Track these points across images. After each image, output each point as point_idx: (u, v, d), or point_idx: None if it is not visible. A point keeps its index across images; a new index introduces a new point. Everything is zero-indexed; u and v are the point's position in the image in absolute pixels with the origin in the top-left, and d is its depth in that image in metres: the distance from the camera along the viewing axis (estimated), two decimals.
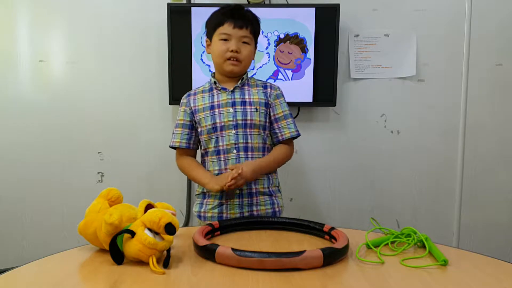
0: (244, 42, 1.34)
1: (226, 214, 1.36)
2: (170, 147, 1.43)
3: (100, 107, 2.11)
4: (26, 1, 2.06)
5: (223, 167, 1.35)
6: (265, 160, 1.36)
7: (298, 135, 1.41)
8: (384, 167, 2.11)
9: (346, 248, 0.87)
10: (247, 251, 0.81)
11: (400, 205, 2.12)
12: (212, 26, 1.37)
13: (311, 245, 0.96)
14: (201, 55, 1.99)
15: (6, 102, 2.10)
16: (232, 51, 1.31)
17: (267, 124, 1.40)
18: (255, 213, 1.36)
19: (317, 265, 0.81)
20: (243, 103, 1.37)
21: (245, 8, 1.39)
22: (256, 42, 1.41)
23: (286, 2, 2.01)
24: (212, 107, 1.37)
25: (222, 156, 1.36)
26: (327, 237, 1.00)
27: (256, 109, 1.37)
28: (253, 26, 1.36)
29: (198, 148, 1.45)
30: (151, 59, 2.08)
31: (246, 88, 1.40)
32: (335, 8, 1.95)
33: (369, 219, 2.11)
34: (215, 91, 1.40)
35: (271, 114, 1.40)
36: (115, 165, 2.13)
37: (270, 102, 1.40)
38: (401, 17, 2.04)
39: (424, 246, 0.95)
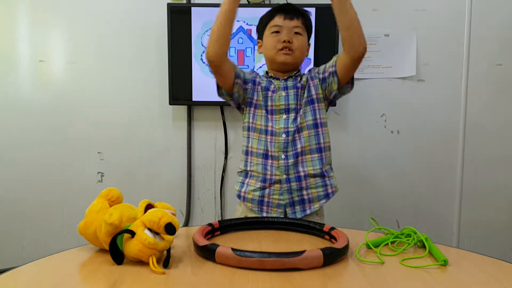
0: (296, 33, 1.31)
1: (268, 199, 1.31)
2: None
3: (100, 107, 2.11)
4: (26, 1, 2.06)
5: (274, 149, 1.29)
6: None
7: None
8: (384, 167, 2.11)
9: (346, 248, 0.87)
10: (247, 251, 0.81)
11: (400, 205, 2.12)
12: (263, 24, 1.37)
13: (311, 245, 0.96)
14: (201, 55, 1.99)
15: (6, 102, 2.10)
16: (284, 41, 1.29)
17: (321, 96, 1.32)
18: (305, 197, 1.30)
19: (317, 265, 0.81)
20: (295, 87, 1.33)
21: (294, 5, 1.39)
22: (309, 37, 1.38)
23: (286, 2, 2.01)
24: (267, 89, 1.34)
25: (270, 137, 1.30)
26: (327, 237, 1.00)
27: (307, 86, 1.34)
28: (304, 18, 1.34)
29: (233, 68, 1.30)
30: (151, 59, 2.08)
31: (298, 78, 1.36)
32: None
33: (369, 219, 2.11)
34: (271, 85, 1.35)
35: (320, 76, 1.33)
36: (115, 165, 2.13)
37: (316, 77, 1.33)
38: (401, 17, 2.04)
39: (424, 246, 0.95)
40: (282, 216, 1.30)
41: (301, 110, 1.31)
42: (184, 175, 2.13)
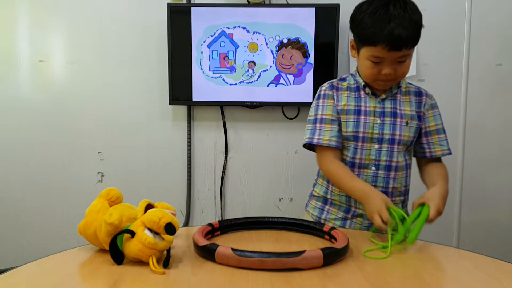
0: (400, 61, 1.10)
1: (349, 228, 1.19)
2: (309, 144, 1.18)
3: (100, 107, 2.11)
4: (26, 1, 2.06)
5: None
6: (444, 182, 1.18)
7: (450, 153, 1.24)
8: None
9: (346, 248, 0.87)
10: (247, 251, 0.81)
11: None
12: (360, 38, 1.12)
13: (311, 245, 0.96)
14: (201, 60, 1.99)
15: (6, 102, 2.10)
16: (385, 74, 1.09)
17: (415, 139, 1.20)
18: None
19: (317, 265, 0.81)
20: (394, 115, 1.16)
21: (405, 11, 1.09)
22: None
23: (286, 2, 2.01)
24: (358, 112, 1.16)
25: (356, 169, 1.17)
26: (327, 237, 1.00)
27: (407, 123, 1.16)
28: (413, 40, 1.11)
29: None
30: (151, 59, 2.08)
31: (398, 96, 1.18)
32: (335, 8, 1.95)
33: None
34: (362, 92, 1.18)
35: (422, 126, 1.20)
36: (115, 165, 2.13)
37: (423, 113, 1.19)
38: None
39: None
40: None
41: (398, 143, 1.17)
42: (184, 175, 2.13)
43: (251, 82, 2.00)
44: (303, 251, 0.80)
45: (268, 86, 2.00)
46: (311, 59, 1.98)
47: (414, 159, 1.29)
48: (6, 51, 2.08)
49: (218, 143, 2.13)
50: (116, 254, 0.82)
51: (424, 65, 2.05)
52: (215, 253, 0.82)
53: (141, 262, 0.82)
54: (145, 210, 0.87)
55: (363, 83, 1.17)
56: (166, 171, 2.13)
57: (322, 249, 0.82)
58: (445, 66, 2.05)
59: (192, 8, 1.97)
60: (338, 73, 2.01)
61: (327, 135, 1.16)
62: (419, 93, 1.21)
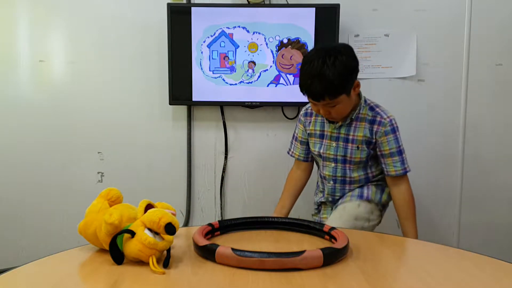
0: (330, 107, 1.29)
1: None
2: (289, 154, 1.58)
3: (100, 107, 2.11)
4: (26, 1, 2.06)
5: (325, 192, 1.48)
6: (411, 223, 1.42)
7: (405, 173, 1.39)
8: None
9: (346, 248, 0.87)
10: (247, 251, 0.81)
11: None
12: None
13: (311, 245, 0.96)
14: (200, 60, 1.99)
15: (6, 102, 2.10)
16: (322, 115, 1.35)
17: (370, 157, 1.41)
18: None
19: (317, 265, 0.81)
20: (346, 140, 1.39)
21: (321, 63, 1.22)
22: (350, 87, 1.29)
23: (286, 2, 2.01)
24: (322, 136, 1.43)
25: (324, 181, 1.48)
26: (327, 237, 1.00)
27: (358, 147, 1.38)
28: (331, 92, 1.24)
29: (313, 160, 1.56)
30: (151, 59, 2.08)
31: (353, 123, 1.38)
32: (335, 8, 1.95)
33: None
34: (325, 119, 1.41)
35: (378, 150, 1.40)
36: (115, 165, 2.13)
37: (375, 139, 1.38)
38: (401, 17, 2.04)
39: None
40: None
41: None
42: (184, 175, 2.13)
43: (251, 82, 2.00)
44: (303, 251, 0.80)
45: (268, 86, 2.00)
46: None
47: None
48: (6, 51, 2.08)
49: (218, 143, 2.13)
50: (116, 254, 0.82)
51: (424, 65, 2.05)
52: (215, 253, 0.82)
53: (141, 262, 0.82)
54: (145, 210, 0.87)
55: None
56: (166, 171, 2.13)
57: (322, 249, 0.82)
58: (445, 66, 2.05)
59: (192, 8, 1.97)
60: None
61: (297, 152, 1.54)
62: (372, 121, 1.38)
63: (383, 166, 1.41)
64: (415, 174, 2.11)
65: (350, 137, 1.38)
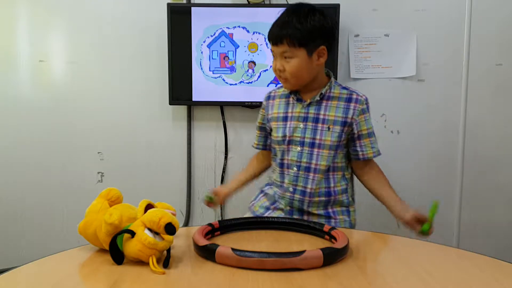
0: (286, 57, 1.21)
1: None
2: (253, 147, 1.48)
3: (100, 107, 2.11)
4: (26, 1, 2.06)
5: (286, 181, 1.29)
6: (392, 190, 1.33)
7: (380, 154, 1.32)
8: (384, 167, 2.10)
9: (346, 248, 0.87)
10: (247, 251, 0.81)
11: None
12: None
13: (311, 245, 0.96)
14: (200, 60, 1.99)
15: (6, 102, 2.10)
16: (275, 70, 1.24)
17: (341, 143, 1.27)
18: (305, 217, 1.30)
19: (317, 265, 0.81)
20: (316, 120, 1.26)
21: (291, 12, 1.21)
22: (313, 48, 1.22)
23: (286, 2, 2.01)
24: (285, 118, 1.30)
25: (285, 170, 1.30)
26: (327, 237, 1.00)
27: (329, 128, 1.25)
28: (292, 35, 1.18)
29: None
30: (151, 59, 2.08)
31: (324, 102, 1.27)
32: (335, 8, 1.95)
33: (368, 219, 2.11)
34: (291, 99, 1.30)
35: (355, 131, 1.27)
36: (115, 165, 2.13)
37: (351, 119, 1.26)
38: (401, 17, 2.04)
39: None
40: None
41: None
42: (184, 175, 2.13)
43: (251, 82, 2.00)
44: (303, 251, 0.80)
45: (268, 86, 2.00)
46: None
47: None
48: (6, 51, 2.08)
49: (218, 143, 2.13)
50: (116, 254, 0.82)
51: (424, 65, 2.05)
52: (215, 253, 0.82)
53: (141, 262, 0.82)
54: (145, 210, 0.87)
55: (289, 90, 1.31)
56: (166, 171, 2.13)
57: (322, 249, 0.82)
58: (445, 66, 2.05)
59: (192, 8, 1.97)
60: (338, 73, 2.01)
61: (256, 140, 1.44)
62: (349, 99, 1.28)
63: (358, 149, 1.29)
64: (415, 174, 2.12)
65: (321, 116, 1.26)
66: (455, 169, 2.09)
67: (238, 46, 1.99)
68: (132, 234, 0.82)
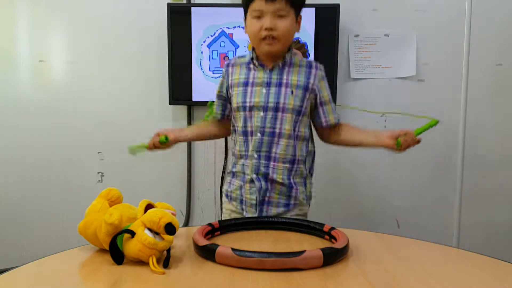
0: (280, 16, 1.18)
1: (244, 198, 1.29)
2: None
3: (100, 107, 2.11)
4: (26, 1, 2.06)
5: (250, 149, 1.26)
6: (367, 133, 1.27)
7: (339, 120, 1.32)
8: (384, 167, 2.11)
9: (346, 248, 0.87)
10: (247, 251, 0.81)
11: (400, 205, 2.12)
12: (245, 3, 1.24)
13: (311, 245, 0.96)
14: (200, 60, 1.99)
15: (6, 102, 2.10)
16: (266, 29, 1.17)
17: (304, 109, 1.26)
18: (266, 199, 1.27)
19: (317, 265, 0.81)
20: (279, 84, 1.25)
21: None
22: (298, 13, 1.24)
23: None
24: (245, 84, 1.27)
25: (248, 137, 1.27)
26: (327, 237, 1.00)
27: (292, 91, 1.24)
28: None
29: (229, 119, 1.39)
30: (151, 59, 2.08)
31: (286, 68, 1.26)
32: (335, 8, 1.95)
33: (368, 219, 2.11)
34: (252, 66, 1.28)
35: (318, 96, 1.27)
36: (115, 165, 2.13)
37: (313, 84, 1.26)
38: (401, 17, 2.04)
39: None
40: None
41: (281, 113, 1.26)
42: (184, 175, 2.13)
43: None
44: (303, 251, 0.80)
45: None
46: (311, 59, 1.98)
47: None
48: (6, 51, 2.08)
49: (218, 143, 2.13)
50: (116, 254, 0.82)
51: (424, 65, 2.05)
52: (215, 253, 0.82)
53: (141, 262, 0.82)
54: (145, 210, 0.87)
55: (252, 56, 1.27)
56: (166, 171, 2.13)
57: (322, 249, 0.82)
58: (445, 66, 2.05)
59: (192, 8, 1.97)
60: (338, 73, 2.01)
61: (215, 110, 1.39)
62: (309, 66, 1.29)
63: (321, 115, 1.29)
64: (415, 174, 2.12)
65: (284, 81, 1.25)
66: (455, 169, 2.09)
67: (238, 46, 1.99)
68: (132, 234, 0.82)
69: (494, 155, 2.08)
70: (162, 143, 1.30)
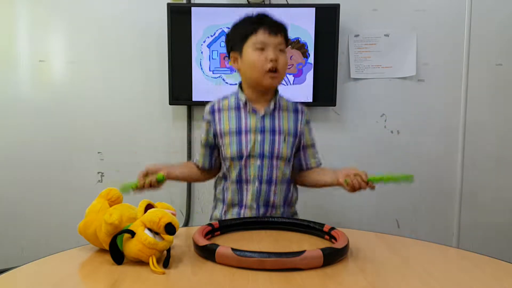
0: (280, 50, 1.20)
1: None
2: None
3: (100, 107, 2.11)
4: (26, 1, 2.06)
5: (248, 198, 1.25)
6: (327, 172, 1.27)
7: (320, 164, 1.33)
8: (384, 167, 2.11)
9: (346, 248, 0.87)
10: (247, 251, 0.81)
11: (400, 205, 2.12)
12: (240, 36, 1.22)
13: (311, 245, 0.96)
14: (200, 60, 1.99)
15: (6, 102, 2.10)
16: (271, 60, 1.17)
17: (292, 155, 1.28)
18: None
19: (317, 265, 0.81)
20: (273, 132, 1.24)
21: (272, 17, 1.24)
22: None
23: (286, 2, 2.01)
24: (238, 132, 1.24)
25: (243, 186, 1.25)
26: (327, 237, 1.00)
27: (285, 138, 1.25)
28: (285, 32, 1.23)
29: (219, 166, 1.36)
30: (151, 59, 2.08)
31: (277, 113, 1.27)
32: (335, 8, 1.95)
33: (368, 219, 2.11)
34: (243, 111, 1.26)
35: (302, 141, 1.29)
36: (115, 165, 2.13)
37: (300, 130, 1.28)
38: (401, 17, 2.04)
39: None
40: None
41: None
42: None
43: None
44: (303, 251, 0.80)
45: None
46: (311, 59, 1.98)
47: None
48: (6, 51, 2.08)
49: None
50: (116, 254, 0.82)
51: (424, 65, 2.05)
52: (215, 253, 0.82)
53: (141, 262, 0.82)
54: (145, 210, 0.87)
55: (244, 100, 1.25)
56: None
57: (322, 249, 0.82)
58: (445, 66, 2.05)
59: (192, 8, 1.97)
60: (338, 73, 2.01)
61: (201, 159, 1.33)
62: (296, 110, 1.30)
63: (302, 159, 1.31)
64: (415, 174, 2.11)
65: (277, 127, 1.25)
66: (455, 169, 2.09)
67: None
68: (132, 234, 0.82)
69: (494, 155, 2.08)
70: (160, 181, 1.20)
